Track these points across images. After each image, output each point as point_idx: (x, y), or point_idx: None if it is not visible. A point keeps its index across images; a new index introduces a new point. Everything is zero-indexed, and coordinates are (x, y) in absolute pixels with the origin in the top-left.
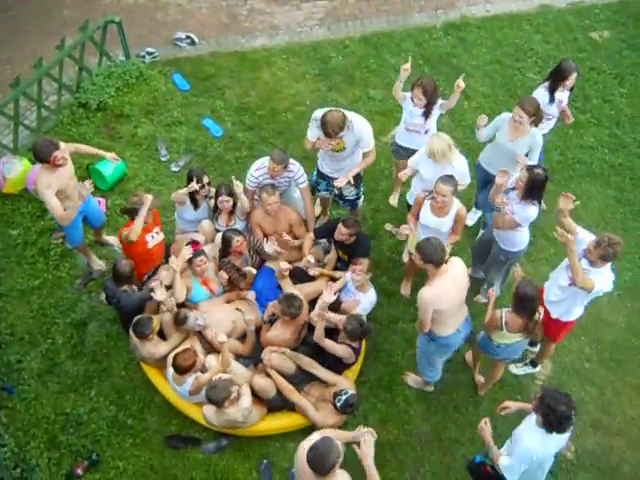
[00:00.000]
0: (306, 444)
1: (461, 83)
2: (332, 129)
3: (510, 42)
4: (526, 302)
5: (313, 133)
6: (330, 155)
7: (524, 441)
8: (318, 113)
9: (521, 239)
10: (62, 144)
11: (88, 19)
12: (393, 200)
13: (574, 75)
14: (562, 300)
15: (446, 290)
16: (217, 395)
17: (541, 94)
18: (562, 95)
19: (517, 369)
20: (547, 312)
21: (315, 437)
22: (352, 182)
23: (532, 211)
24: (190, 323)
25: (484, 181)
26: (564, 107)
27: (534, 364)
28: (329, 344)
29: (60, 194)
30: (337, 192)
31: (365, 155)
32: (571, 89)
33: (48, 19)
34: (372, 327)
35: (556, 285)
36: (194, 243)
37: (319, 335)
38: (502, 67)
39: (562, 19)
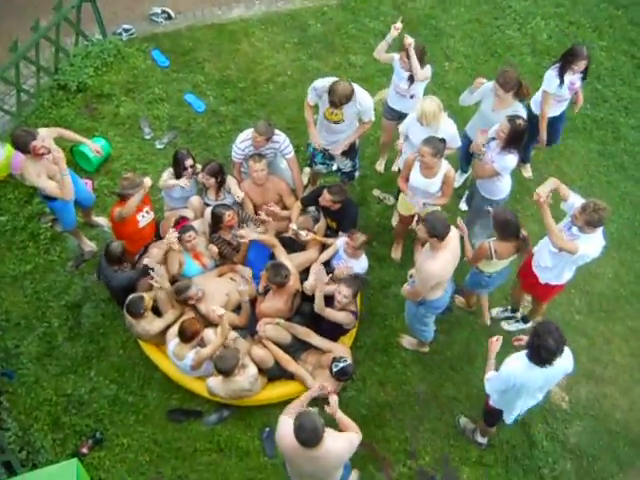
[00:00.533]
0: (285, 426)
1: (397, 25)
2: (339, 99)
3: (488, 0)
4: (509, 226)
5: (312, 98)
6: (326, 126)
7: (508, 363)
8: (318, 83)
9: (502, 188)
10: (44, 130)
11: None
12: (379, 166)
13: (583, 62)
14: (553, 267)
15: (448, 262)
16: (227, 364)
17: (551, 76)
18: (573, 77)
19: (509, 325)
20: (536, 276)
21: (287, 419)
22: (347, 154)
23: (511, 160)
24: (194, 289)
25: (468, 147)
26: (577, 89)
27: (525, 320)
28: (331, 312)
29: (52, 180)
30: (335, 167)
31: (361, 124)
32: (584, 76)
33: (19, 0)
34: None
35: (547, 250)
36: (182, 219)
37: (320, 306)
38: (481, 26)
39: None
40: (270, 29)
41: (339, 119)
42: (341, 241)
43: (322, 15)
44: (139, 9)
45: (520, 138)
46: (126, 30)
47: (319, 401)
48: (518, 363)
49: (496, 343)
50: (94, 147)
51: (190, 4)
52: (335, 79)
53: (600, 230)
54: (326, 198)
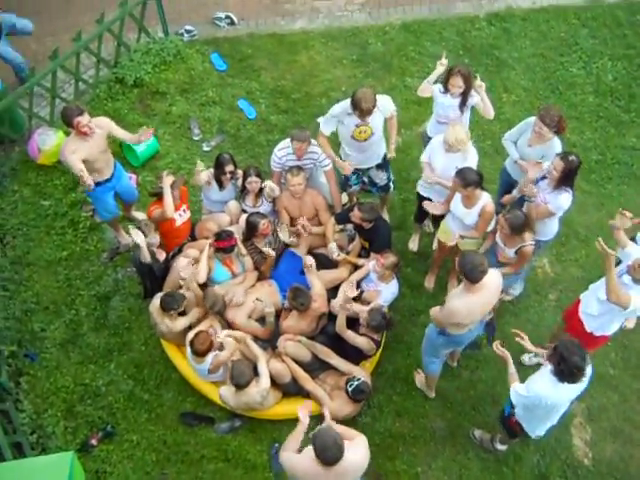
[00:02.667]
0: (295, 459)
1: (443, 61)
2: (366, 104)
3: (555, 35)
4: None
5: (328, 127)
6: (356, 147)
7: (536, 386)
8: (336, 109)
9: (552, 228)
10: (105, 120)
11: None
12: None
13: None
14: (600, 315)
15: (472, 309)
16: (243, 379)
17: None
18: None
19: None
20: (582, 324)
21: (291, 454)
22: (381, 167)
23: (565, 198)
24: (226, 296)
25: (507, 184)
26: None
27: None
28: (351, 335)
29: (88, 165)
30: (367, 180)
31: (389, 122)
32: None
33: None
34: (394, 318)
35: (595, 298)
36: (230, 237)
37: (341, 326)
38: (545, 61)
39: (611, 14)
40: (330, 44)
41: (369, 135)
42: (372, 264)
43: (384, 35)
44: (203, 12)
45: (574, 174)
46: (188, 31)
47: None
48: (545, 383)
49: (502, 349)
50: (144, 133)
51: (254, 12)
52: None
53: None
54: (356, 215)
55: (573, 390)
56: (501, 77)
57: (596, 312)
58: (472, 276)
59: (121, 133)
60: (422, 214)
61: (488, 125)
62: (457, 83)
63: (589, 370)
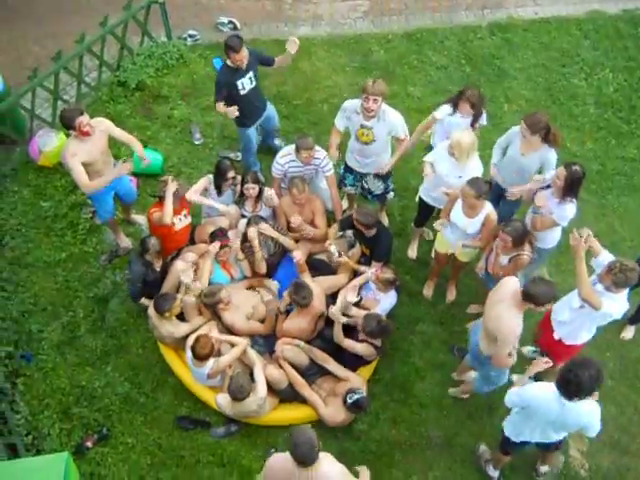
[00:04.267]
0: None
1: None
2: (375, 85)
3: (557, 47)
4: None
5: (341, 123)
6: (359, 150)
7: (534, 384)
8: (347, 103)
9: (553, 236)
10: (105, 120)
11: None
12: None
13: None
14: (570, 321)
15: (496, 313)
16: (242, 394)
17: None
18: None
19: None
20: (551, 332)
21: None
22: (380, 176)
23: (570, 209)
24: (224, 292)
25: (496, 194)
26: None
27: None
28: (350, 344)
29: (89, 167)
30: (365, 187)
31: (399, 143)
32: None
33: None
34: (391, 325)
35: (567, 306)
36: (223, 237)
37: (338, 336)
38: (547, 71)
39: (613, 26)
40: (333, 50)
41: (370, 139)
42: (372, 271)
43: (387, 42)
44: (207, 17)
45: (578, 185)
46: (191, 36)
47: None
48: (543, 386)
49: (542, 364)
50: (141, 153)
51: (257, 18)
52: None
53: (626, 291)
54: (354, 216)
55: (560, 413)
56: (503, 87)
57: (567, 318)
58: (534, 299)
59: (119, 133)
60: (422, 219)
61: (489, 134)
62: (465, 109)
63: (586, 412)
